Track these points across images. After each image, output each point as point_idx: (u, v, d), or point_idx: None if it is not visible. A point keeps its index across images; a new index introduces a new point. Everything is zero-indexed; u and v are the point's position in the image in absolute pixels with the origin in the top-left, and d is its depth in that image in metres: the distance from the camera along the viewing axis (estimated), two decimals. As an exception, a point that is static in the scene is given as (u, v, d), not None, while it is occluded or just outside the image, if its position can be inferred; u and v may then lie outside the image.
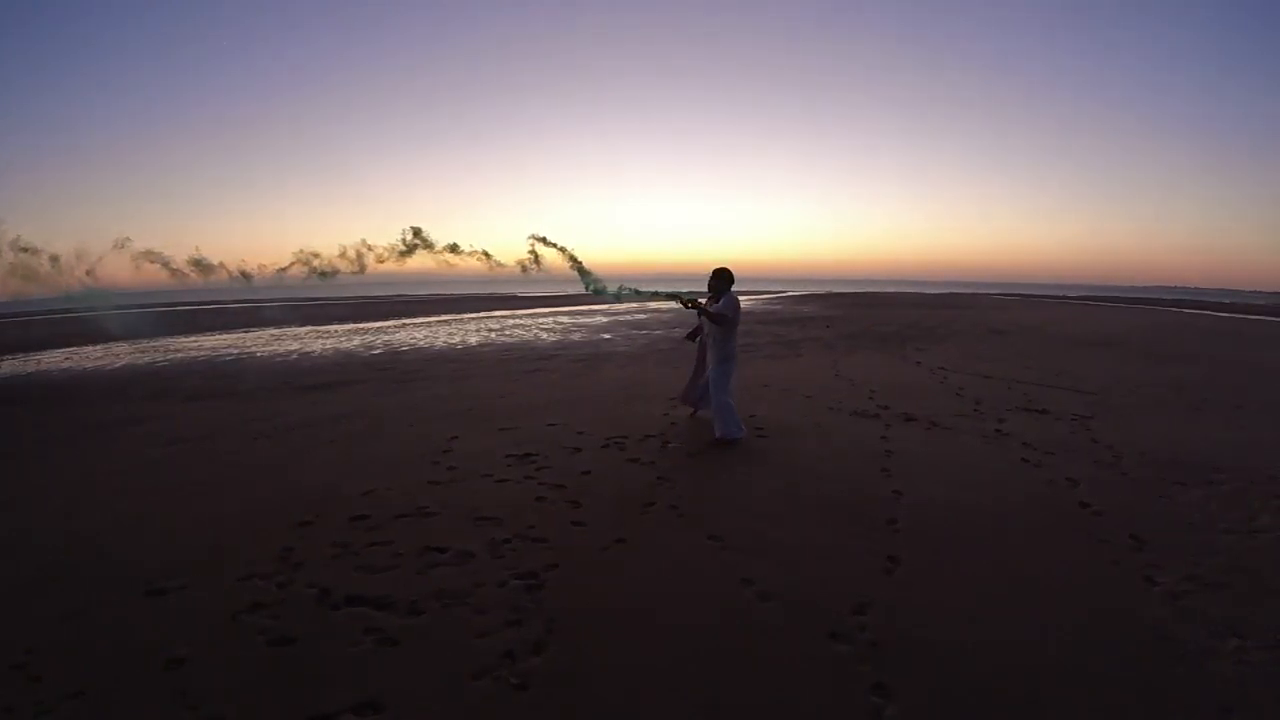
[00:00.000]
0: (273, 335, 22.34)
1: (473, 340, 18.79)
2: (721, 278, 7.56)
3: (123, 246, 8.20)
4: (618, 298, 9.23)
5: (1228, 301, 62.60)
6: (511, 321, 24.71)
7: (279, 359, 15.97)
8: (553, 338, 18.89)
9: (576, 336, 18.97)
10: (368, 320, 28.83)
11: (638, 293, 9.18)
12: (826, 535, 5.11)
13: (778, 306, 32.59)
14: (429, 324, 25.13)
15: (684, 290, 10.16)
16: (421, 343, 18.49)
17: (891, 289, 77.85)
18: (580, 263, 9.29)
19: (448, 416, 8.76)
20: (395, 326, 24.52)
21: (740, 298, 7.71)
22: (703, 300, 7.85)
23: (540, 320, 25.01)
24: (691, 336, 8.51)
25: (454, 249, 9.10)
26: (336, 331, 23.15)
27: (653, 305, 9.56)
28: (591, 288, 9.31)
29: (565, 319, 25.15)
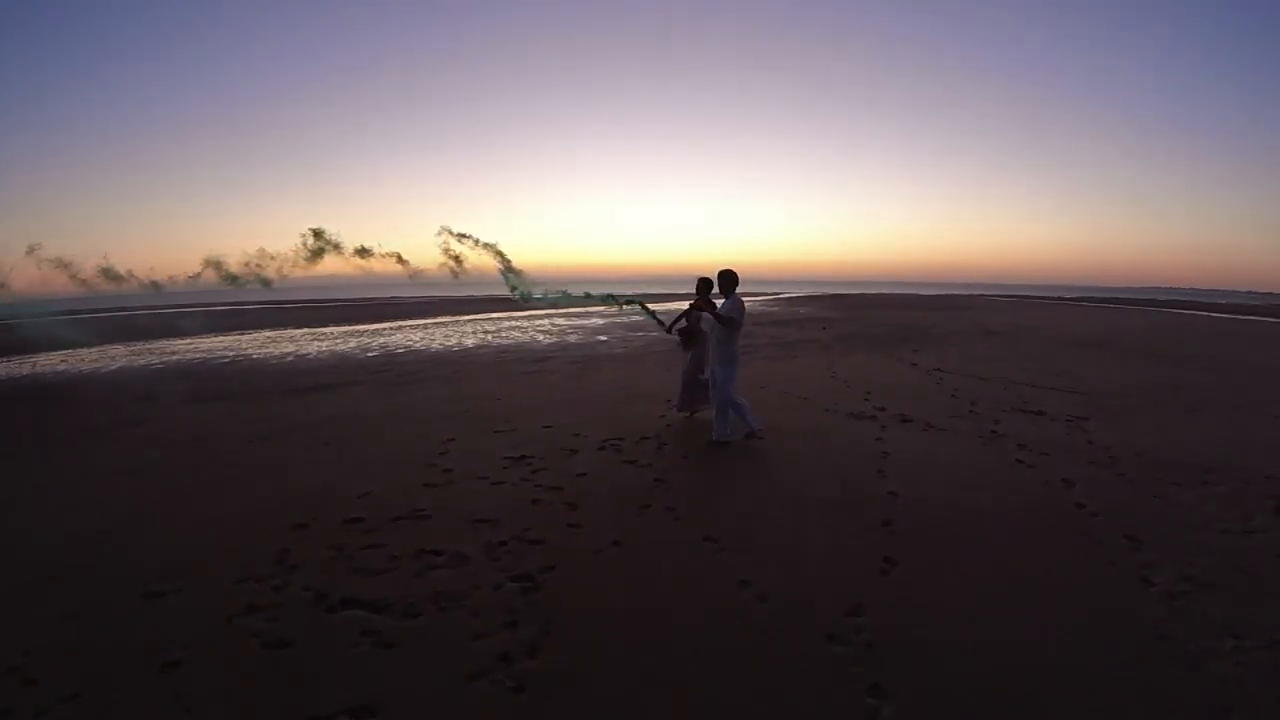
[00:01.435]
0: (268, 337, 22.31)
1: (469, 342, 18.78)
2: (727, 280, 7.54)
3: (32, 253, 7.86)
4: (553, 303, 8.92)
5: (1224, 302, 62.75)
6: (508, 323, 24.70)
7: (275, 361, 15.94)
8: (549, 339, 18.88)
9: (573, 338, 18.96)
10: (364, 322, 28.77)
11: (566, 295, 8.87)
12: (823, 536, 5.11)
13: (774, 308, 32.63)
14: (425, 325, 25.11)
15: (623, 294, 9.77)
16: (418, 344, 18.47)
17: (888, 290, 77.94)
18: (509, 262, 8.75)
19: (444, 418, 8.76)
20: (391, 328, 24.49)
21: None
22: (654, 304, 7.91)
23: (537, 322, 24.99)
24: (686, 341, 8.46)
25: (363, 252, 8.62)
26: (333, 333, 23.12)
27: (648, 306, 9.21)
28: (518, 292, 8.90)
29: (562, 321, 25.12)
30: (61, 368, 16.07)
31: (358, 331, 23.60)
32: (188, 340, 22.10)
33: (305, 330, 25.05)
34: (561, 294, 8.82)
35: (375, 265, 8.81)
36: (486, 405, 9.63)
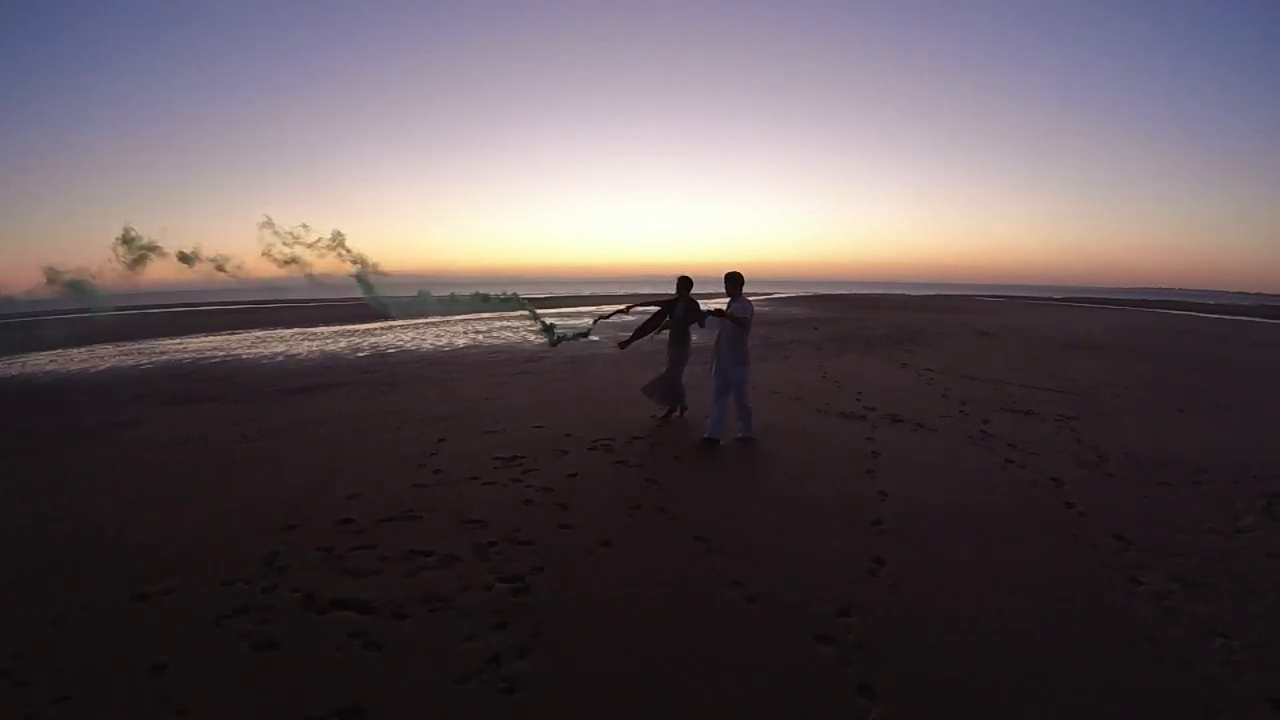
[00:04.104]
0: (258, 338, 22.22)
1: (460, 342, 18.72)
2: (733, 281, 7.58)
3: None
4: (419, 306, 8.02)
5: (1213, 303, 63.06)
6: (500, 324, 24.62)
7: (265, 361, 15.87)
8: (541, 340, 18.81)
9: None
10: (353, 322, 28.64)
11: (427, 297, 7.99)
12: (813, 536, 5.12)
13: (766, 308, 32.65)
14: (416, 325, 25.01)
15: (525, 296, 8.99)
16: (408, 345, 18.41)
17: (880, 291, 78.12)
18: (363, 260, 7.69)
19: (434, 419, 8.73)
20: (382, 328, 24.40)
21: (713, 300, 7.71)
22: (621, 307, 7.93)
23: (528, 322, 24.92)
24: (623, 345, 8.65)
25: (185, 258, 7.53)
26: (323, 334, 23.03)
27: (640, 308, 8.79)
28: (370, 296, 7.85)
29: (553, 321, 25.06)
30: (50, 368, 15.97)
31: (348, 332, 23.51)
32: (177, 340, 22.00)
33: (296, 330, 24.95)
34: (421, 295, 8.07)
35: (204, 271, 7.67)
36: (477, 406, 9.60)
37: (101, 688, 3.38)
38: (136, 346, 20.35)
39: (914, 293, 68.70)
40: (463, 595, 4.20)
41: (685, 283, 8.28)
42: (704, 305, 8.14)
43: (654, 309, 8.55)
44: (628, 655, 3.62)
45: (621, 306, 8.53)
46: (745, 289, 7.61)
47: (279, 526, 5.28)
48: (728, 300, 7.63)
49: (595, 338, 7.29)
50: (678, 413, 8.52)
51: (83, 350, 19.37)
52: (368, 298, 7.71)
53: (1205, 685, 3.45)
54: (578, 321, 11.31)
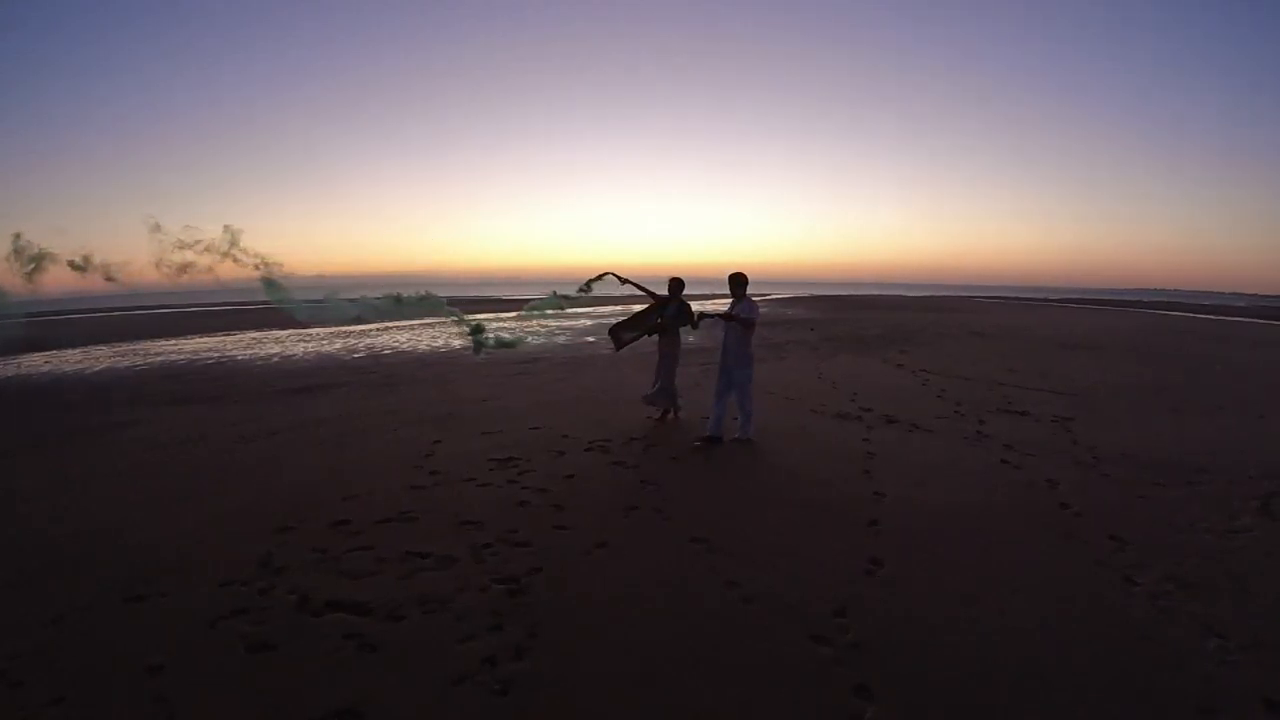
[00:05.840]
0: (253, 338, 22.18)
1: (456, 343, 18.69)
2: (737, 282, 7.60)
3: None
4: (335, 311, 7.36)
5: (1209, 304, 63.14)
6: (496, 325, 24.50)
7: (261, 362, 15.84)
8: (537, 341, 18.82)
9: (561, 340, 18.93)
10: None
11: (337, 301, 7.33)
12: (810, 537, 5.12)
13: (764, 309, 32.67)
14: (412, 326, 24.96)
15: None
16: (404, 346, 18.39)
17: (876, 292, 78.21)
18: (267, 266, 7.02)
19: (430, 420, 8.72)
20: (378, 329, 24.34)
21: (710, 301, 7.71)
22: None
23: (525, 323, 24.85)
24: (619, 342, 8.77)
25: (75, 266, 6.99)
26: (318, 334, 22.98)
27: (637, 307, 8.53)
28: (275, 299, 7.23)
29: (550, 322, 25.01)
30: (46, 368, 15.93)
31: (343, 332, 23.46)
32: (172, 341, 21.96)
33: (291, 331, 24.89)
34: (329, 298, 7.46)
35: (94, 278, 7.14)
36: (473, 407, 9.60)
37: (99, 688, 3.37)
38: (132, 347, 20.31)
39: (910, 293, 68.76)
40: (459, 596, 4.19)
41: (678, 284, 8.33)
42: (701, 307, 8.14)
43: (647, 303, 8.59)
44: (627, 655, 3.62)
45: (617, 274, 8.47)
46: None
47: (276, 527, 5.26)
48: (731, 301, 7.64)
49: (531, 339, 6.93)
50: (673, 414, 8.52)
51: (77, 351, 19.32)
52: (274, 300, 7.29)
53: (1203, 685, 3.45)
54: (524, 326, 11.08)
